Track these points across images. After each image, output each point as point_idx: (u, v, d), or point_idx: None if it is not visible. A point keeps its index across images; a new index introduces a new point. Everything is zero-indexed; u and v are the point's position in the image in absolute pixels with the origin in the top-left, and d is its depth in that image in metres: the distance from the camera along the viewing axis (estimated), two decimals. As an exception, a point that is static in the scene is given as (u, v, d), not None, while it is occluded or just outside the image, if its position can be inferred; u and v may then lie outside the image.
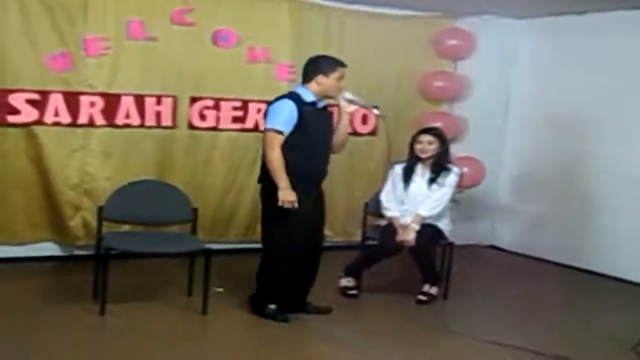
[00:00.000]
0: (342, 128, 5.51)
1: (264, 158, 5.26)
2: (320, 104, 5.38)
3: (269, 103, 5.36)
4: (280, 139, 5.14)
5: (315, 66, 5.33)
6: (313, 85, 5.30)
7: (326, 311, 5.62)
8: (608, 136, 7.22)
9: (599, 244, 7.27)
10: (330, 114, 5.54)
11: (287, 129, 5.16)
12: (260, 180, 5.42)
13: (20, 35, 6.07)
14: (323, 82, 5.29)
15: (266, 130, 5.22)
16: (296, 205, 5.14)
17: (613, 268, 7.14)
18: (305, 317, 5.49)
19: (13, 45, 6.06)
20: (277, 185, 5.13)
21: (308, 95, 5.28)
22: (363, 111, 6.80)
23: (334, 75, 5.30)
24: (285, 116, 5.16)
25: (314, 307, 5.61)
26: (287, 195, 5.13)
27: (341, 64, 5.34)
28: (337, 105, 5.52)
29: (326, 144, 5.44)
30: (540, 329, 5.64)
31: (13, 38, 6.05)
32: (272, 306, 5.39)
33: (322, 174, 5.47)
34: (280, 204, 5.12)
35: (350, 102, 5.48)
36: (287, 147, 5.16)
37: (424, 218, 5.93)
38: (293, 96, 5.26)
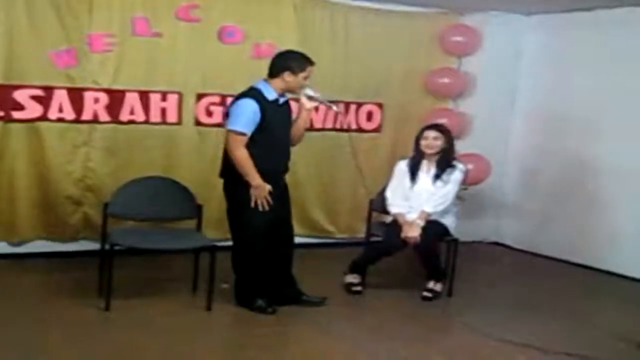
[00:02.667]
0: (300, 123, 5.54)
1: (228, 155, 5.29)
2: (282, 100, 5.39)
3: (231, 102, 5.37)
4: (243, 140, 5.19)
5: (284, 63, 5.33)
6: (278, 81, 5.32)
7: (320, 302, 5.65)
8: (614, 133, 7.19)
9: (605, 241, 7.25)
10: (290, 108, 5.56)
11: (249, 129, 5.20)
12: (221, 175, 5.45)
13: (25, 31, 6.08)
14: (290, 79, 5.31)
15: (229, 131, 5.24)
16: (270, 200, 5.21)
17: (619, 265, 7.12)
18: (311, 313, 5.49)
19: (18, 41, 6.07)
20: (248, 182, 5.20)
21: (270, 92, 5.30)
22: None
23: (302, 74, 5.31)
24: (247, 117, 5.19)
25: (308, 298, 5.64)
26: (260, 192, 5.22)
27: (310, 63, 5.34)
28: (297, 100, 5.53)
29: (287, 138, 5.49)
30: (546, 325, 5.62)
31: (18, 34, 6.06)
32: (260, 301, 5.41)
33: (284, 168, 5.52)
34: (254, 200, 5.21)
35: (311, 98, 5.48)
36: (250, 143, 5.20)
37: (429, 214, 5.93)
38: (254, 94, 5.26)
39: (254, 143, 5.20)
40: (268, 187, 5.24)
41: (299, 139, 5.59)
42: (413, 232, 5.83)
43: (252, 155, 5.19)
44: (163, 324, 5.12)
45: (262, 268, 5.41)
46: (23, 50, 6.09)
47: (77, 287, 5.70)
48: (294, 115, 5.56)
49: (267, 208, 5.25)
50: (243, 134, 5.18)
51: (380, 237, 6.15)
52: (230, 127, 5.24)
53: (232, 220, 5.45)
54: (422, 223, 5.88)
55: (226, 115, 5.40)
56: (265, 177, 5.23)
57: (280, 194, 5.43)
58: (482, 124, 7.85)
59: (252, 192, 5.21)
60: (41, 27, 6.13)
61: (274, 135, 5.28)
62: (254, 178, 5.20)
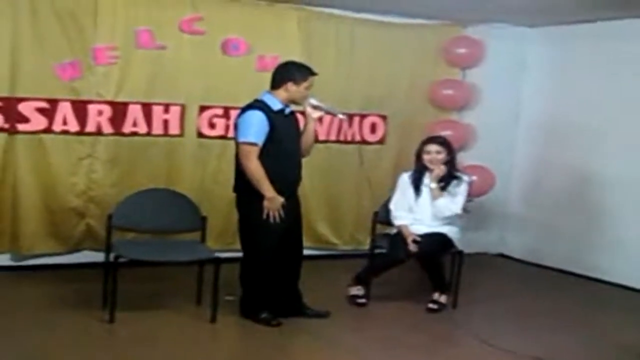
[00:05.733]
0: (308, 134, 5.54)
1: (240, 169, 5.28)
2: (287, 111, 5.40)
3: (238, 114, 5.38)
4: (255, 151, 5.17)
5: (286, 73, 5.34)
6: (281, 92, 5.32)
7: (324, 315, 5.64)
8: (619, 144, 7.18)
9: (609, 253, 7.23)
10: (297, 119, 5.57)
11: (260, 139, 5.19)
12: (235, 190, 5.44)
13: (30, 44, 6.11)
14: (293, 90, 5.31)
15: (240, 144, 5.23)
16: (282, 213, 5.20)
17: (623, 277, 7.09)
18: (315, 325, 5.47)
19: (23, 54, 6.10)
20: (260, 194, 5.19)
21: (275, 103, 5.30)
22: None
23: (304, 84, 5.32)
24: (256, 127, 5.18)
25: (312, 311, 5.63)
26: (274, 204, 5.21)
27: (312, 73, 5.35)
28: (303, 112, 5.54)
29: (296, 149, 5.48)
30: (551, 336, 5.61)
31: (24, 47, 6.10)
32: (264, 314, 5.40)
33: (296, 179, 5.51)
34: (266, 213, 5.20)
35: (316, 108, 5.48)
36: (261, 156, 5.19)
37: (441, 199, 5.94)
38: (260, 105, 5.26)
39: (265, 155, 5.18)
40: (281, 199, 5.23)
41: (308, 149, 5.59)
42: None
43: (264, 168, 5.17)
44: (167, 336, 5.11)
45: (270, 281, 5.40)
46: (28, 63, 6.11)
47: (80, 299, 5.69)
48: (301, 126, 5.57)
49: (278, 220, 5.24)
50: (254, 145, 5.17)
51: (384, 249, 6.13)
52: (240, 139, 5.23)
53: (244, 234, 5.43)
54: (434, 185, 5.95)
55: (235, 128, 5.38)
56: (278, 189, 5.22)
57: (293, 206, 5.42)
58: (486, 136, 7.84)
59: (266, 204, 5.19)
60: (46, 40, 6.16)
61: (283, 146, 5.27)
62: (268, 189, 5.18)
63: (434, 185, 5.95)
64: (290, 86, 5.30)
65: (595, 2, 6.33)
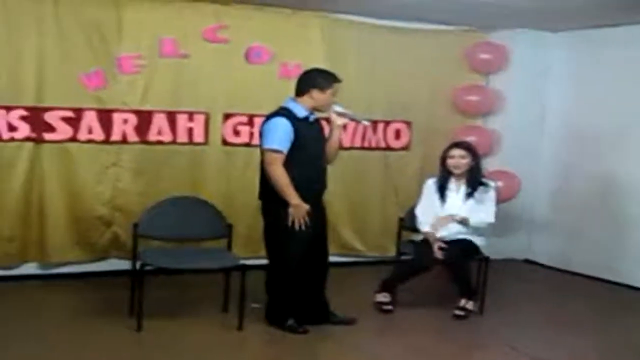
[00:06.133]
0: (333, 141, 5.53)
1: (266, 177, 5.27)
2: (312, 118, 5.39)
3: (263, 122, 5.37)
4: (281, 158, 5.17)
5: (312, 81, 5.34)
6: (306, 99, 5.32)
7: (351, 321, 5.63)
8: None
9: (636, 259, 7.16)
10: (322, 126, 5.57)
11: (285, 147, 5.18)
12: (260, 197, 5.44)
13: (56, 54, 6.16)
14: (318, 97, 5.31)
15: (265, 151, 5.23)
16: (307, 220, 5.20)
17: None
18: (341, 333, 5.46)
19: (49, 64, 6.15)
20: (285, 202, 5.18)
21: (300, 110, 5.29)
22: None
23: (330, 91, 5.32)
24: (281, 135, 5.18)
25: (338, 318, 5.62)
26: (299, 212, 5.20)
27: (337, 79, 5.35)
28: (327, 119, 5.53)
29: (321, 156, 5.47)
30: (578, 342, 5.56)
31: (49, 57, 6.15)
32: (290, 321, 5.39)
33: (322, 186, 5.50)
34: (291, 220, 5.19)
35: (341, 115, 5.48)
36: (286, 163, 5.18)
37: (467, 222, 5.92)
38: (285, 113, 5.26)
39: (291, 163, 5.17)
40: (306, 206, 5.22)
41: (333, 157, 5.58)
42: (444, 221, 5.86)
43: (290, 175, 5.17)
44: (195, 344, 5.10)
45: (296, 288, 5.39)
46: (53, 72, 6.17)
47: (108, 307, 5.71)
48: (325, 133, 5.57)
49: (304, 228, 5.23)
50: (280, 152, 5.17)
51: (410, 256, 6.11)
52: (265, 146, 5.23)
53: (270, 241, 5.43)
54: (458, 218, 5.90)
55: (260, 136, 5.38)
56: (303, 196, 5.21)
57: (319, 214, 5.42)
58: (511, 141, 7.81)
59: (291, 211, 5.19)
60: (71, 50, 6.20)
61: (309, 153, 5.27)
62: (293, 197, 5.17)
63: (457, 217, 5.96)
64: (316, 93, 5.30)
65: (619, 6, 6.28)
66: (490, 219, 5.99)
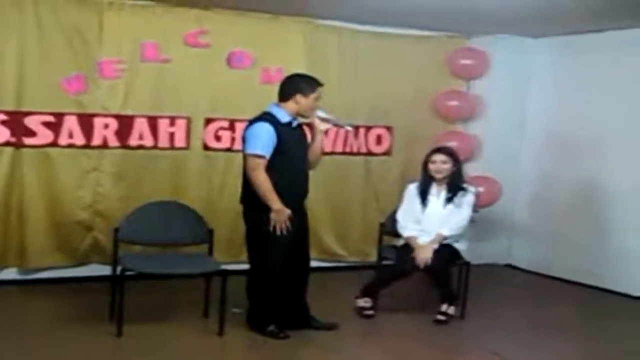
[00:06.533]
0: (316, 146, 5.54)
1: (248, 181, 5.27)
2: (295, 123, 5.40)
3: (246, 127, 5.37)
4: (263, 163, 5.17)
5: (295, 85, 5.34)
6: (290, 104, 5.32)
7: (332, 327, 5.62)
8: (625, 156, 7.16)
9: (616, 263, 7.20)
10: (304, 131, 5.58)
11: (268, 152, 5.19)
12: (242, 201, 5.44)
13: (36, 58, 6.14)
14: (301, 102, 5.31)
15: (248, 156, 5.22)
16: (289, 225, 5.20)
17: (629, 286, 7.06)
18: (323, 338, 5.46)
19: (29, 68, 6.13)
20: (267, 207, 5.18)
21: (283, 116, 5.30)
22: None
23: (313, 95, 5.33)
24: (264, 140, 5.18)
25: (319, 323, 5.61)
26: (281, 217, 5.20)
27: (319, 84, 5.36)
28: (309, 124, 5.55)
29: (303, 162, 5.48)
30: (559, 347, 5.57)
31: (29, 61, 6.13)
32: (271, 327, 5.38)
33: (304, 192, 5.51)
34: (273, 225, 5.19)
35: (324, 120, 5.49)
36: (268, 169, 5.18)
37: (444, 237, 5.91)
38: (269, 118, 5.26)
39: (273, 168, 5.18)
40: (288, 211, 5.22)
41: (316, 162, 5.59)
42: (425, 254, 5.80)
43: (272, 180, 5.17)
44: (175, 349, 5.08)
45: (278, 293, 5.38)
46: (34, 77, 6.14)
47: (88, 313, 5.68)
48: (308, 139, 5.58)
49: (285, 233, 5.23)
50: (262, 157, 5.17)
51: (391, 261, 6.12)
52: (248, 151, 5.23)
53: (251, 246, 5.43)
54: (436, 245, 5.86)
55: (242, 140, 5.38)
56: (285, 202, 5.21)
57: (300, 219, 5.41)
58: (492, 146, 7.85)
59: (272, 216, 5.19)
60: (52, 54, 6.18)
61: (291, 158, 5.27)
62: (275, 202, 5.17)
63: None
64: (299, 98, 5.30)
65: (601, 12, 6.33)
66: (464, 221, 5.99)
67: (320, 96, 5.38)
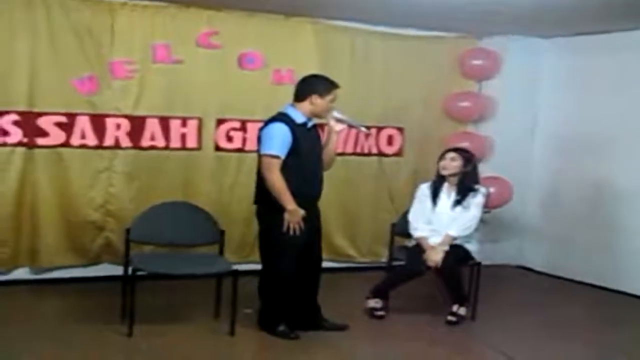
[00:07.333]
0: (330, 147, 5.56)
1: (262, 181, 5.28)
2: (310, 124, 5.41)
3: (261, 127, 5.38)
4: (277, 163, 5.18)
5: (311, 86, 5.35)
6: (306, 104, 5.33)
7: (342, 328, 5.62)
8: (636, 157, 7.13)
9: (628, 265, 7.18)
10: (319, 132, 5.59)
11: (283, 152, 5.19)
12: (256, 202, 5.44)
13: (48, 59, 6.17)
14: (317, 102, 5.32)
15: (263, 156, 5.24)
16: (302, 226, 5.20)
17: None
18: (333, 338, 5.46)
19: (42, 69, 6.15)
20: (281, 207, 5.19)
21: (298, 116, 5.31)
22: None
23: (329, 97, 5.34)
24: (280, 140, 5.19)
25: (330, 324, 5.61)
26: (295, 217, 5.20)
27: (335, 86, 5.37)
28: (324, 125, 5.56)
29: (318, 163, 5.48)
30: (570, 348, 5.57)
31: (42, 62, 6.15)
32: (282, 327, 5.39)
33: (317, 192, 5.51)
34: (286, 225, 5.20)
35: (339, 121, 5.51)
36: (283, 169, 5.19)
37: (453, 238, 5.91)
38: (284, 118, 5.27)
39: (287, 168, 5.18)
40: (302, 212, 5.22)
41: (330, 163, 5.60)
42: (436, 256, 5.80)
43: (286, 181, 5.17)
44: (187, 349, 5.09)
45: (289, 294, 5.39)
46: (46, 77, 6.17)
47: (99, 312, 5.70)
48: (322, 140, 5.58)
49: (298, 233, 5.24)
50: (277, 157, 5.17)
51: (402, 262, 6.12)
52: (263, 151, 5.24)
53: (264, 246, 5.44)
54: (446, 247, 5.85)
55: (258, 141, 5.39)
56: (299, 202, 5.22)
57: (313, 220, 5.42)
58: (503, 147, 7.82)
59: (286, 216, 5.19)
60: (64, 55, 6.21)
61: (306, 159, 5.28)
62: (289, 202, 5.18)
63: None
64: (315, 99, 5.31)
65: (611, 13, 6.31)
66: (472, 222, 5.98)
67: (336, 98, 5.38)
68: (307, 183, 5.36)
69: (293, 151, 5.22)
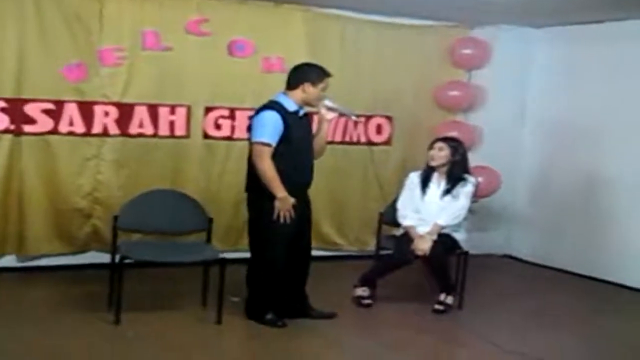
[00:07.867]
0: (322, 135, 5.57)
1: (253, 169, 5.28)
2: (301, 112, 5.41)
3: (252, 115, 5.38)
4: (269, 151, 5.18)
5: (304, 74, 5.36)
6: (298, 92, 5.33)
7: (330, 316, 5.64)
8: (626, 146, 7.15)
9: (616, 254, 7.20)
10: (310, 121, 5.59)
11: (274, 140, 5.20)
12: (246, 189, 5.44)
13: (36, 46, 6.13)
14: (309, 90, 5.33)
15: (254, 143, 5.24)
16: (293, 214, 5.20)
17: (629, 278, 7.06)
18: (321, 327, 5.47)
19: (30, 55, 6.12)
20: (271, 195, 5.20)
21: (290, 104, 5.31)
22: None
23: (321, 85, 5.35)
24: (271, 128, 5.20)
25: (317, 312, 5.62)
26: (285, 205, 5.21)
27: (327, 74, 5.37)
28: (315, 113, 5.55)
29: (309, 151, 5.48)
30: (557, 338, 5.59)
31: (30, 48, 6.12)
32: (269, 315, 5.39)
33: (308, 181, 5.51)
34: (277, 213, 5.20)
35: (330, 109, 5.51)
36: (274, 157, 5.20)
37: (441, 227, 5.91)
38: (276, 106, 5.27)
39: (278, 156, 5.19)
40: (292, 199, 5.23)
41: (321, 151, 5.61)
42: (424, 245, 5.81)
43: (277, 169, 5.18)
44: (174, 337, 5.10)
45: (278, 282, 5.39)
46: (34, 64, 6.13)
47: (86, 300, 5.70)
48: (314, 129, 5.58)
49: (289, 221, 5.24)
50: (268, 145, 5.18)
51: (390, 250, 6.13)
52: (254, 139, 5.24)
53: (254, 234, 5.44)
54: (434, 236, 5.86)
55: (248, 129, 5.39)
56: (289, 190, 5.22)
57: (303, 208, 5.42)
58: (492, 137, 7.83)
59: (277, 204, 5.20)
60: (52, 42, 6.17)
61: (297, 147, 5.28)
62: (280, 190, 5.19)
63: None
64: (307, 87, 5.31)
65: (602, 3, 6.32)
66: (461, 211, 5.99)
67: (328, 86, 5.38)
68: (298, 171, 5.36)
69: (284, 139, 5.22)
